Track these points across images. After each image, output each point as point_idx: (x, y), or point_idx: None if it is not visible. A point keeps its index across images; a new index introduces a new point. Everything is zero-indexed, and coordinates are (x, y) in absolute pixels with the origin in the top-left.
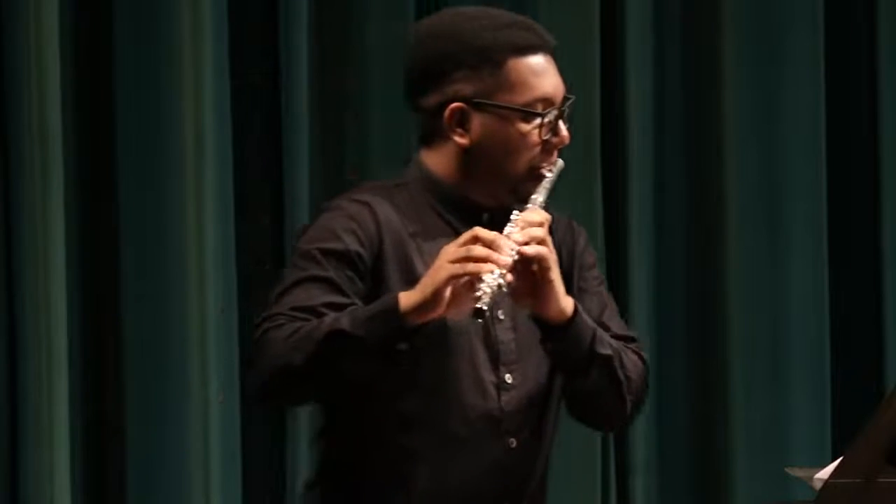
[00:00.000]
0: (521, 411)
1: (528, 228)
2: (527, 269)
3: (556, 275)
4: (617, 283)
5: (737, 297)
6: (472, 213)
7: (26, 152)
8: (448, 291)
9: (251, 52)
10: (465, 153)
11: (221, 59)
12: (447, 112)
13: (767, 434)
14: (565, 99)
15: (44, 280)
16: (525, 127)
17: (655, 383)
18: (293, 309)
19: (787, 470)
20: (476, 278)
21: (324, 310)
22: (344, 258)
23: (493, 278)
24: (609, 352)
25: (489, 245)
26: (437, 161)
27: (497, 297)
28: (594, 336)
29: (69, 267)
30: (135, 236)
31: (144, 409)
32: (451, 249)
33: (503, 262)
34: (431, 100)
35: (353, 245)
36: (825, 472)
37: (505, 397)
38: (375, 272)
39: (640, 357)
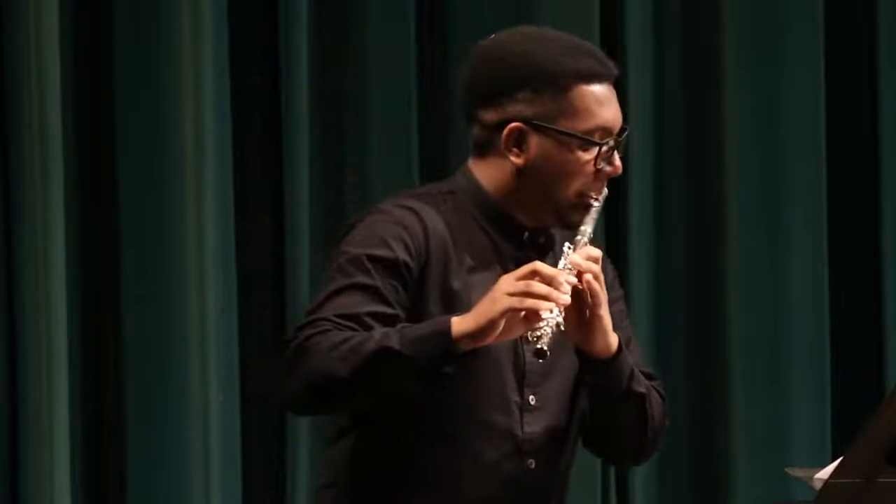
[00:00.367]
0: (541, 433)
1: (588, 262)
2: (579, 304)
3: (605, 311)
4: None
5: (737, 297)
6: (514, 231)
7: (26, 152)
8: (502, 323)
9: (251, 52)
10: (518, 172)
11: (221, 59)
12: (506, 131)
13: (767, 434)
14: (623, 129)
15: (44, 280)
16: (582, 155)
17: None
18: (339, 316)
19: (787, 470)
20: (534, 315)
21: (368, 319)
22: (392, 267)
23: (551, 317)
24: (644, 390)
25: (549, 281)
26: (488, 175)
27: (556, 335)
28: (632, 373)
29: (69, 267)
30: (135, 236)
31: (144, 409)
32: (511, 281)
33: (563, 302)
34: (491, 115)
35: (402, 254)
36: (825, 472)
37: (527, 418)
38: (418, 283)
39: (661, 395)
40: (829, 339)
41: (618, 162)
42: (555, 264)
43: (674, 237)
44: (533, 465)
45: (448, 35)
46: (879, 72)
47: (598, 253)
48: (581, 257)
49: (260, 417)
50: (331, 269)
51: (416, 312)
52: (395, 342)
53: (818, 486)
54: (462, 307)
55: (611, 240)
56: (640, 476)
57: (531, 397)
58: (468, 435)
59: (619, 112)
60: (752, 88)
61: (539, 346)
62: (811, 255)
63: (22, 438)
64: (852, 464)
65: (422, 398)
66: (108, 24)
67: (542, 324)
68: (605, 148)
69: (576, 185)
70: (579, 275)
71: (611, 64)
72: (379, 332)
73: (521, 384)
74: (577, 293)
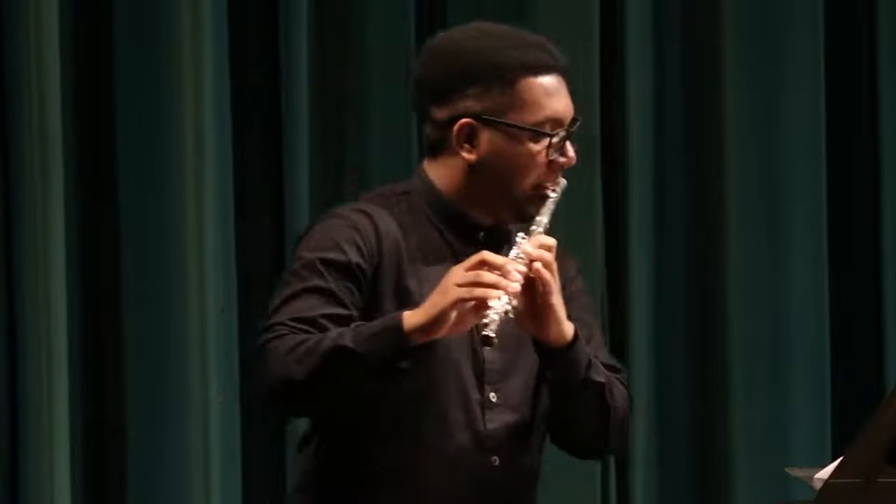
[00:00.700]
0: (504, 430)
1: (539, 250)
2: (531, 292)
3: (557, 299)
4: (617, 283)
5: (737, 297)
6: (469, 230)
7: (26, 152)
8: (454, 314)
9: (251, 52)
10: (470, 169)
11: (221, 59)
12: (456, 127)
13: (767, 434)
14: (574, 120)
15: (44, 280)
16: (533, 146)
17: (655, 383)
18: (294, 320)
19: (787, 470)
20: (483, 304)
21: (324, 321)
22: (345, 269)
23: (500, 305)
24: (602, 380)
25: (497, 270)
26: (442, 174)
27: (504, 323)
28: (590, 362)
29: (69, 267)
30: (135, 236)
31: (144, 409)
32: (460, 273)
33: (512, 290)
34: (442, 113)
35: (355, 257)
36: (825, 472)
37: (489, 415)
38: (372, 284)
39: (626, 388)
40: (829, 339)
41: (571, 152)
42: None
43: (674, 237)
44: (497, 462)
45: None
46: (879, 72)
47: (550, 241)
48: (533, 246)
49: (260, 417)
50: (287, 274)
51: (372, 313)
52: (348, 340)
53: (818, 486)
54: (417, 306)
55: (611, 240)
56: (640, 476)
57: (492, 394)
58: (429, 433)
59: (570, 103)
60: (752, 88)
61: (486, 332)
62: (811, 255)
63: (22, 438)
64: (852, 464)
65: (379, 394)
66: (108, 24)
67: (489, 311)
68: (556, 139)
69: (530, 178)
70: (530, 263)
71: (560, 55)
72: (334, 332)
73: (481, 381)
74: (529, 282)
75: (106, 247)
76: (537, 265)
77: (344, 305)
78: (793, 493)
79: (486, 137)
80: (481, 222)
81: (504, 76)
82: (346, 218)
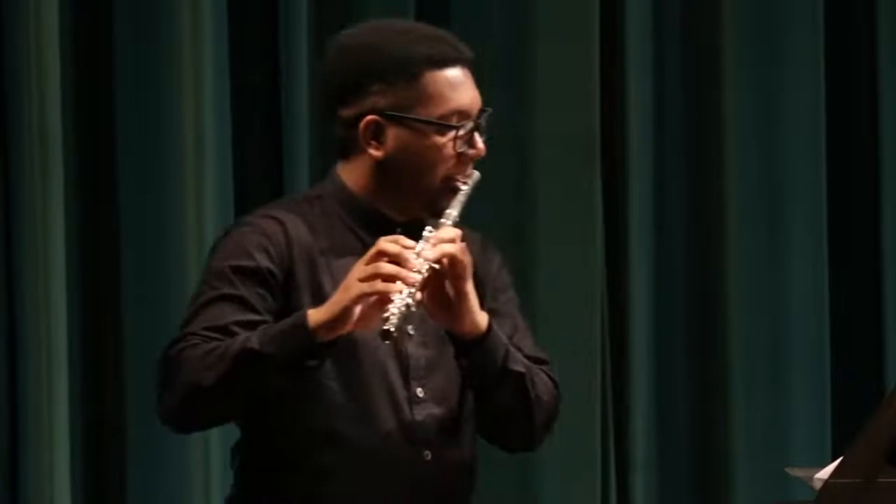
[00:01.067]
0: (433, 424)
1: (439, 245)
2: (439, 285)
3: (469, 288)
4: (617, 283)
5: (737, 297)
6: (384, 227)
7: (26, 152)
8: (357, 309)
9: (251, 52)
10: (379, 166)
11: (221, 59)
12: (362, 124)
13: (767, 434)
14: (482, 111)
15: (44, 280)
16: (439, 140)
17: (655, 383)
18: (206, 329)
19: (787, 470)
20: (385, 297)
21: (236, 328)
22: (255, 275)
23: (401, 299)
24: (521, 369)
25: (395, 259)
26: (352, 174)
27: (406, 316)
28: (507, 353)
29: (69, 267)
30: (135, 236)
31: (144, 409)
32: (360, 267)
33: (412, 281)
34: (348, 111)
35: (265, 262)
36: (825, 472)
37: (417, 410)
38: (286, 288)
39: (552, 379)
40: (829, 339)
41: (480, 144)
42: None
43: (674, 237)
44: (429, 457)
45: None
46: (879, 72)
47: (455, 233)
48: (436, 239)
49: None
50: (199, 284)
51: (289, 315)
52: (255, 342)
53: (818, 486)
54: None
55: (611, 240)
56: (640, 476)
57: (418, 390)
58: (357, 432)
59: (477, 95)
60: (752, 88)
61: (386, 327)
62: (811, 255)
63: (22, 438)
64: (852, 464)
65: (305, 397)
66: (108, 24)
67: (390, 306)
68: (462, 131)
69: (439, 172)
70: (438, 257)
71: (464, 48)
72: (242, 335)
73: (407, 377)
74: (438, 274)
75: (106, 247)
76: (446, 248)
77: (256, 311)
78: (793, 493)
79: (392, 133)
80: (396, 219)
81: (408, 71)
82: (254, 225)
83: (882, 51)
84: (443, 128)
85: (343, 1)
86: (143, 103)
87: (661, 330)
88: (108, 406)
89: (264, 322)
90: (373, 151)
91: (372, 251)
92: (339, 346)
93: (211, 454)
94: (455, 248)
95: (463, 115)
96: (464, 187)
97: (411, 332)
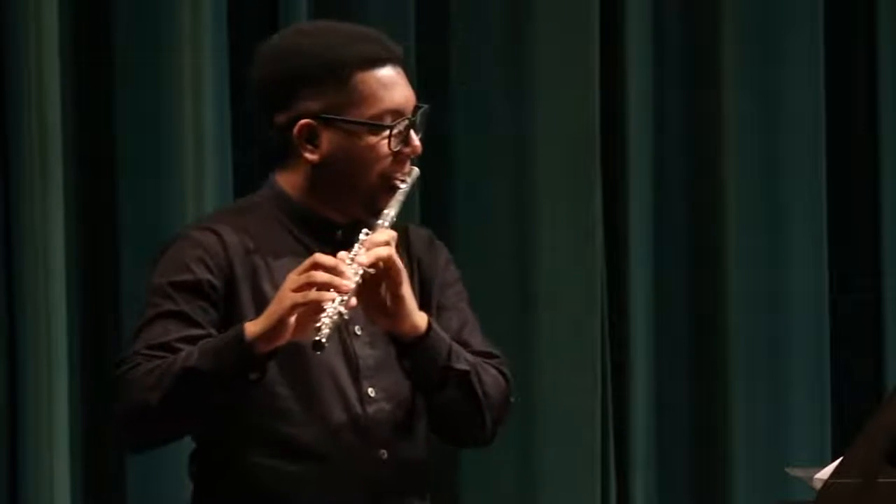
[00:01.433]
0: (388, 423)
1: (373, 249)
2: (376, 288)
3: (406, 291)
4: (617, 283)
5: (737, 297)
6: (325, 230)
7: (26, 152)
8: (293, 319)
9: (251, 52)
10: (316, 169)
11: (221, 59)
12: (296, 129)
13: (767, 434)
14: (417, 108)
15: (44, 280)
16: (373, 140)
17: (655, 384)
18: (149, 347)
19: (787, 470)
20: (318, 307)
21: (179, 344)
22: (195, 289)
23: (333, 308)
24: (465, 367)
25: (331, 271)
26: (290, 179)
27: (338, 325)
28: (450, 351)
29: (69, 267)
30: (135, 236)
31: None
32: (294, 277)
33: (345, 288)
34: (282, 117)
35: (204, 274)
36: (825, 472)
37: (369, 410)
38: (228, 298)
39: (502, 373)
40: (829, 339)
41: (416, 142)
42: None
43: (674, 237)
44: (386, 456)
45: (448, 35)
46: (879, 72)
47: (390, 235)
48: (374, 241)
49: None
50: (143, 303)
51: (233, 323)
52: (194, 360)
53: (818, 486)
54: None
55: (611, 240)
56: (640, 476)
57: (369, 389)
58: (312, 436)
59: (411, 92)
60: (752, 88)
61: (318, 338)
62: (811, 255)
63: (22, 439)
64: (852, 464)
65: (257, 407)
66: (108, 24)
67: (322, 316)
68: (395, 130)
69: (375, 172)
70: (372, 262)
71: (395, 47)
72: (183, 353)
73: (357, 377)
74: (374, 278)
75: (106, 246)
76: (381, 252)
77: (199, 325)
78: (793, 493)
79: (326, 136)
80: (336, 220)
81: (338, 73)
82: (190, 238)
83: (882, 51)
84: (376, 128)
85: (343, 1)
86: (142, 103)
87: (661, 330)
88: (107, 406)
89: (208, 335)
90: (308, 155)
91: (307, 262)
92: (287, 352)
93: None
94: (389, 252)
95: (396, 113)
96: (402, 185)
97: (359, 333)
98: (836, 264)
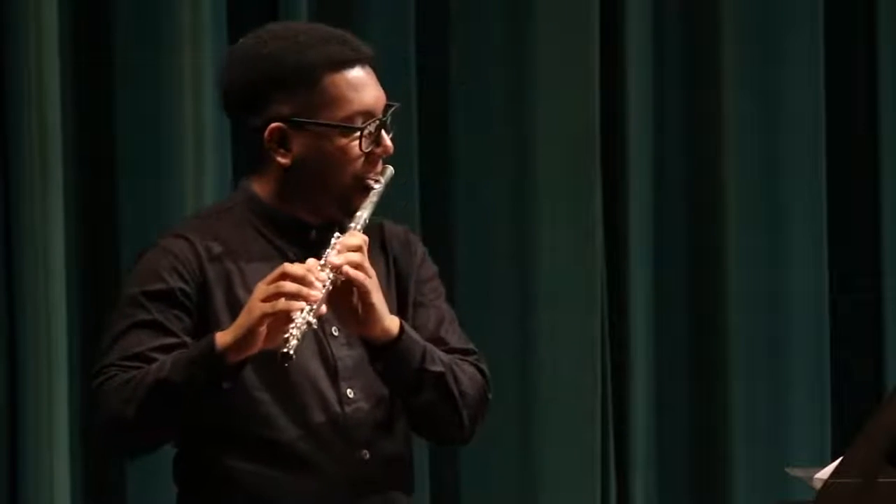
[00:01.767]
0: (368, 423)
1: (344, 253)
2: (347, 294)
3: (376, 297)
4: (617, 282)
5: (737, 297)
6: (298, 231)
7: (26, 152)
8: (263, 328)
9: None
10: (287, 172)
11: (221, 59)
12: (266, 133)
13: (767, 433)
14: (388, 107)
15: (44, 280)
16: (344, 141)
17: (655, 384)
18: (123, 358)
19: (787, 470)
20: (287, 317)
21: (154, 354)
22: (168, 298)
23: (302, 318)
24: (440, 369)
25: (300, 281)
26: (263, 183)
27: (310, 330)
28: (424, 354)
29: (69, 267)
30: (135, 236)
31: None
32: (262, 287)
33: (313, 298)
34: (254, 121)
35: (176, 282)
36: (825, 472)
37: (349, 410)
38: (202, 304)
39: (479, 370)
40: (829, 339)
41: (387, 142)
42: None
43: (674, 237)
44: (368, 456)
45: (448, 35)
46: (879, 72)
47: (358, 240)
48: (339, 249)
49: None
50: (114, 313)
51: (208, 329)
52: (166, 371)
53: (818, 485)
54: None
55: (611, 240)
56: (640, 476)
57: (348, 390)
58: (294, 439)
59: (381, 93)
60: (752, 88)
61: (285, 349)
62: (811, 255)
63: (22, 439)
64: (852, 464)
65: (222, 408)
66: (108, 24)
67: (290, 326)
68: (367, 131)
69: (347, 173)
70: (339, 267)
71: (364, 47)
72: (157, 364)
73: (336, 379)
74: (345, 284)
75: (106, 246)
76: (347, 269)
77: (173, 334)
78: (793, 493)
79: (297, 139)
80: (310, 222)
81: (307, 76)
82: (162, 247)
83: (882, 51)
84: (347, 129)
85: (343, 1)
86: (143, 103)
87: (661, 330)
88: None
89: (182, 343)
90: (280, 159)
91: (276, 272)
92: (265, 358)
93: None
94: (361, 258)
95: (367, 114)
96: (376, 186)
97: (336, 334)
98: (836, 264)
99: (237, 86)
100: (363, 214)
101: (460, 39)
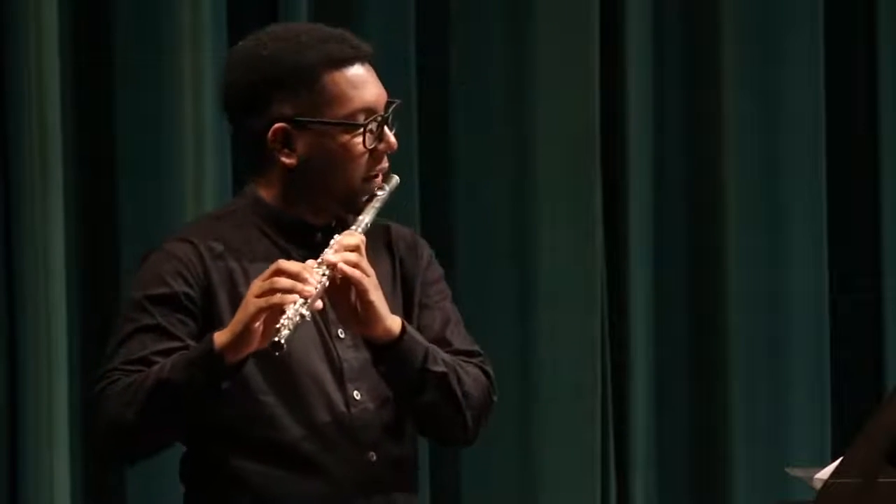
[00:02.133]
0: (375, 425)
1: (341, 252)
2: (346, 294)
3: (375, 296)
4: (617, 282)
5: (737, 297)
6: (304, 234)
7: (26, 152)
8: (259, 325)
9: None
10: (293, 173)
11: (221, 60)
12: (270, 134)
13: (767, 433)
14: (389, 104)
15: (44, 280)
16: (347, 139)
17: (655, 384)
18: (126, 362)
19: (787, 470)
20: (281, 311)
21: (157, 358)
22: (172, 302)
23: (294, 310)
24: (443, 369)
25: (294, 277)
26: (267, 184)
27: (301, 327)
28: (426, 354)
29: (69, 267)
30: (135, 237)
31: None
32: (257, 283)
33: (307, 293)
34: (256, 123)
35: (180, 286)
36: (825, 472)
37: (356, 412)
38: (206, 307)
39: (484, 372)
40: (829, 339)
41: (391, 138)
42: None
43: (674, 237)
44: (374, 458)
45: (448, 35)
46: (879, 72)
47: (356, 240)
48: (336, 248)
49: None
50: (119, 318)
51: (214, 331)
52: (166, 373)
53: (818, 485)
54: None
55: (611, 240)
56: (640, 476)
57: (355, 392)
58: (301, 441)
59: (382, 89)
60: (752, 88)
61: (276, 339)
62: (811, 255)
63: (22, 439)
64: (852, 464)
65: (229, 411)
66: (108, 24)
67: (282, 318)
68: (369, 127)
69: (353, 171)
70: (335, 266)
71: (361, 44)
72: (157, 367)
73: (342, 381)
74: (344, 283)
75: (106, 246)
76: (342, 266)
77: (177, 338)
78: (793, 493)
79: (301, 139)
80: (314, 223)
81: (307, 76)
82: (166, 251)
83: (882, 51)
84: (350, 126)
85: (343, 1)
86: (143, 103)
87: (661, 330)
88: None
89: (186, 347)
90: (284, 159)
91: (270, 269)
92: (271, 361)
93: None
94: (356, 256)
95: (369, 111)
96: (380, 193)
97: (342, 336)
98: (836, 264)
99: (238, 88)
100: (364, 219)
101: (460, 39)
